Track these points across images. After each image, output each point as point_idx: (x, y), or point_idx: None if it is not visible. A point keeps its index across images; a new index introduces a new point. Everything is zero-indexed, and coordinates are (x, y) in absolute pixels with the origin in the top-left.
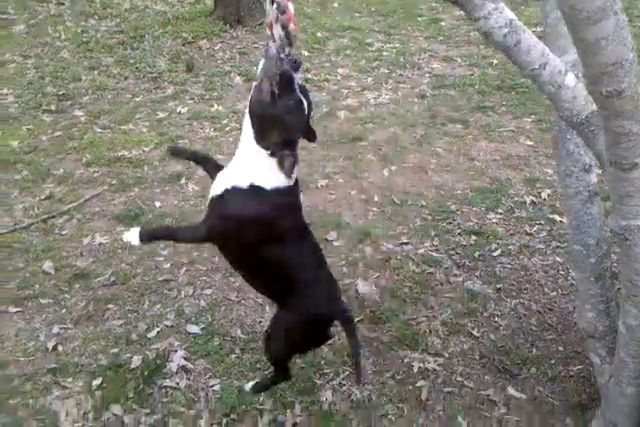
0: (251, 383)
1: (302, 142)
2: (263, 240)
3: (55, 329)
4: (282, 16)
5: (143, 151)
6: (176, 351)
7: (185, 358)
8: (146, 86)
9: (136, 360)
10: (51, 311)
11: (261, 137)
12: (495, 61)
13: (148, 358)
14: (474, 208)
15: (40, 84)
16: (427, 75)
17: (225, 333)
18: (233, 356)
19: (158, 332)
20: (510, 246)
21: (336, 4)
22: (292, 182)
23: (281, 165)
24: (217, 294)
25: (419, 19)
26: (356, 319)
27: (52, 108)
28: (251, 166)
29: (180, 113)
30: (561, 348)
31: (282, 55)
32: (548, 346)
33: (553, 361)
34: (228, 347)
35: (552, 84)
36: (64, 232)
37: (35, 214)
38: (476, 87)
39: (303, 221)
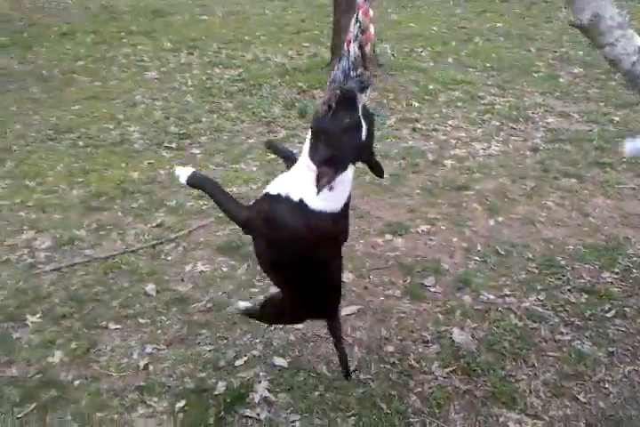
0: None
1: (405, 188)
2: (286, 255)
3: (148, 349)
4: (361, 35)
5: (251, 188)
6: (260, 382)
7: (268, 390)
8: (260, 130)
9: (220, 387)
10: (147, 331)
11: (312, 150)
12: (617, 119)
13: (232, 385)
14: (586, 265)
15: (164, 123)
16: (541, 129)
17: (311, 369)
18: (316, 393)
19: (245, 361)
20: (626, 308)
21: (450, 60)
22: (338, 208)
23: (317, 180)
24: (307, 330)
25: (534, 75)
26: (449, 369)
27: (173, 145)
28: (302, 179)
29: None
30: None
31: (352, 74)
32: None
33: None
34: (312, 383)
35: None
36: (169, 258)
37: (144, 240)
38: (594, 143)
39: (335, 252)
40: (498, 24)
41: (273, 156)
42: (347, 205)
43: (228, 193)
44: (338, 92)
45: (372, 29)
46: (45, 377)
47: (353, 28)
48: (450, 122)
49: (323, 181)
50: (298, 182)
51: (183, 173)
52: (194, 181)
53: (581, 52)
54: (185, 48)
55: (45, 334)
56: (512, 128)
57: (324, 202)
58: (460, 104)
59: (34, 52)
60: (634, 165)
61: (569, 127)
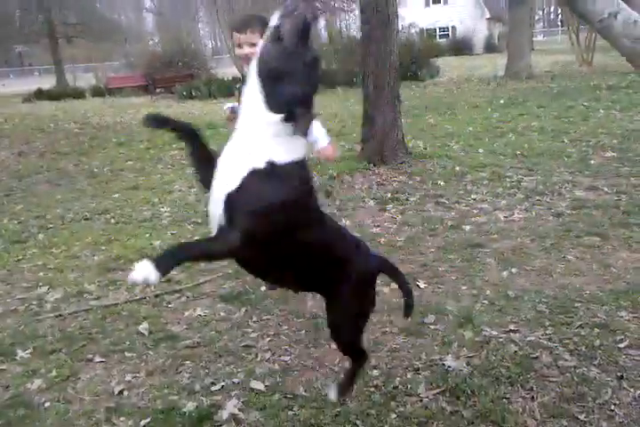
0: (333, 392)
1: (420, 247)
2: (301, 223)
3: (128, 377)
4: None
5: None
6: (231, 399)
7: (239, 409)
8: None
9: (190, 406)
10: (131, 364)
11: (274, 99)
12: None
13: (202, 404)
14: (603, 306)
15: (195, 204)
16: (567, 199)
17: (288, 391)
18: (290, 412)
19: (222, 386)
20: None
21: (481, 150)
22: (303, 152)
23: (296, 125)
24: (293, 361)
25: (565, 158)
26: (435, 391)
27: (199, 220)
28: (262, 141)
29: None
30: None
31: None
32: None
33: None
34: (286, 403)
35: (626, 36)
36: (170, 305)
37: (150, 291)
38: (622, 209)
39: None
40: (533, 123)
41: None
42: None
43: (196, 240)
44: (293, 20)
45: None
46: (19, 399)
47: None
48: (474, 196)
49: (307, 124)
50: (267, 145)
51: (141, 271)
52: (164, 267)
53: (615, 141)
54: None
55: (30, 365)
56: (537, 200)
57: (293, 151)
58: (485, 182)
59: (89, 157)
60: None
61: (596, 198)
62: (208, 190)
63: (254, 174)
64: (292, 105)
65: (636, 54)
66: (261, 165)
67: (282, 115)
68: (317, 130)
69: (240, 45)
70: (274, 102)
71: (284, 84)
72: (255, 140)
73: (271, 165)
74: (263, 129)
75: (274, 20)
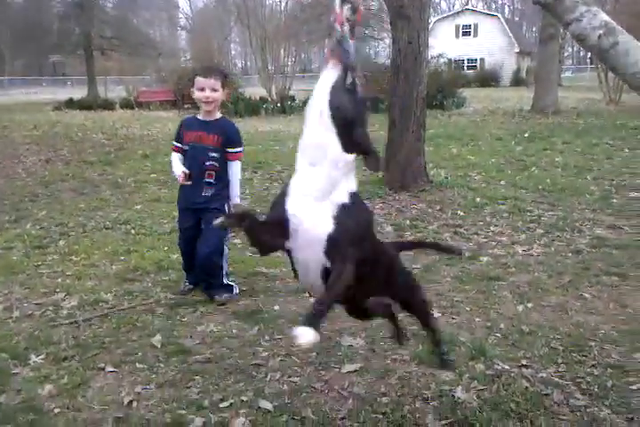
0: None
1: (436, 276)
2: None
3: (137, 389)
4: (353, 15)
5: (281, 271)
6: (239, 417)
7: None
8: None
9: (197, 421)
10: (142, 375)
11: (351, 141)
12: None
13: (210, 421)
14: (618, 347)
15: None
16: (587, 237)
17: (297, 413)
18: None
19: (231, 404)
20: None
21: (503, 182)
22: None
23: (370, 161)
24: (303, 382)
25: (587, 195)
26: (444, 422)
27: (303, 273)
28: (339, 177)
29: None
30: None
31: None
32: None
33: None
34: (293, 425)
35: None
36: (184, 319)
37: (165, 303)
38: None
39: None
40: (557, 159)
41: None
42: None
43: (329, 287)
44: (352, 68)
45: (361, 9)
46: (29, 404)
47: (341, 8)
48: (492, 228)
49: (378, 159)
50: (339, 184)
51: (305, 335)
52: (316, 323)
53: (639, 181)
54: (251, 168)
55: (42, 370)
56: (557, 236)
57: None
58: (505, 215)
59: (114, 168)
60: None
61: (617, 237)
62: (267, 253)
63: (344, 208)
64: (366, 145)
65: None
66: (346, 199)
67: (356, 154)
68: None
69: (203, 89)
70: (350, 144)
71: (357, 128)
72: (332, 178)
73: (352, 196)
74: (340, 167)
75: (334, 68)
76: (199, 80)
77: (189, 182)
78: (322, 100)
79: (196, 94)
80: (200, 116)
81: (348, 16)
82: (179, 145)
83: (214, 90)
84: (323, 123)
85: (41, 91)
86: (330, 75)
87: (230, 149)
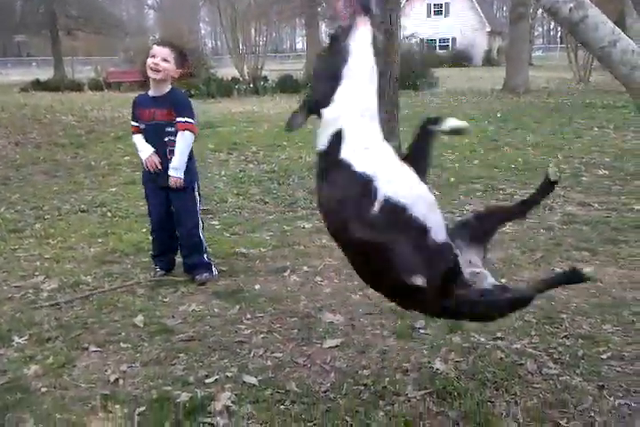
0: None
1: None
2: None
3: (123, 367)
4: None
5: (260, 251)
6: (224, 392)
7: (232, 402)
8: (280, 209)
9: (184, 396)
10: (126, 354)
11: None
12: (637, 207)
13: (196, 396)
14: (588, 319)
15: None
16: (558, 214)
17: (281, 386)
18: (281, 406)
19: (216, 379)
20: (625, 353)
21: (476, 162)
22: None
23: None
24: (286, 357)
25: (558, 173)
26: (423, 392)
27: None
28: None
29: (303, 227)
30: None
31: None
32: None
33: None
34: (278, 397)
35: (624, 64)
36: (166, 300)
37: (146, 284)
38: (611, 225)
39: None
40: (528, 138)
41: (288, 228)
42: None
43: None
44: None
45: None
46: (16, 384)
47: None
48: (467, 207)
49: None
50: None
51: None
52: None
53: (608, 159)
54: (226, 149)
55: (26, 351)
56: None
57: None
58: (479, 194)
59: (87, 150)
60: None
61: (587, 214)
62: None
63: None
64: None
65: (632, 81)
66: None
67: None
68: None
69: (154, 56)
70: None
71: None
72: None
73: None
74: None
75: (365, 25)
76: (153, 48)
77: (159, 169)
78: (371, 58)
79: (147, 61)
80: (151, 92)
81: None
82: (137, 124)
83: (165, 60)
84: (373, 79)
85: (6, 73)
86: (366, 33)
87: (178, 119)
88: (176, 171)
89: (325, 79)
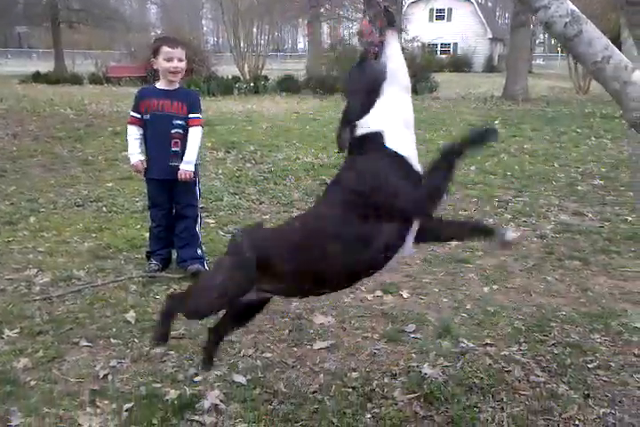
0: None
1: (405, 258)
2: None
3: (112, 363)
4: None
5: None
6: (213, 390)
7: (220, 400)
8: (276, 209)
9: (173, 394)
10: (116, 350)
11: None
12: (630, 218)
13: (185, 393)
14: (577, 328)
15: None
16: (552, 223)
17: (269, 386)
18: (269, 406)
19: (205, 378)
20: (612, 363)
21: (473, 168)
22: None
23: None
24: (275, 358)
25: (554, 183)
26: (411, 396)
27: None
28: None
29: None
30: None
31: None
32: None
33: None
34: (267, 397)
35: (617, 79)
36: (158, 296)
37: (138, 281)
38: (604, 235)
39: None
40: (525, 146)
41: None
42: None
43: None
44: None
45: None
46: (5, 376)
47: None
48: (462, 213)
49: None
50: None
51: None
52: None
53: (604, 169)
54: (224, 148)
55: (17, 344)
56: (523, 221)
57: None
58: (474, 200)
59: (84, 144)
60: None
61: (580, 223)
62: None
63: None
64: None
65: (624, 97)
66: None
67: None
68: None
69: (171, 59)
70: None
71: None
72: None
73: None
74: None
75: (393, 37)
76: (167, 50)
77: (142, 172)
78: (406, 71)
79: (164, 64)
80: (160, 86)
81: None
82: (138, 116)
83: (181, 60)
84: (409, 91)
85: (5, 63)
86: (398, 47)
87: (193, 115)
88: (189, 164)
89: (365, 94)
